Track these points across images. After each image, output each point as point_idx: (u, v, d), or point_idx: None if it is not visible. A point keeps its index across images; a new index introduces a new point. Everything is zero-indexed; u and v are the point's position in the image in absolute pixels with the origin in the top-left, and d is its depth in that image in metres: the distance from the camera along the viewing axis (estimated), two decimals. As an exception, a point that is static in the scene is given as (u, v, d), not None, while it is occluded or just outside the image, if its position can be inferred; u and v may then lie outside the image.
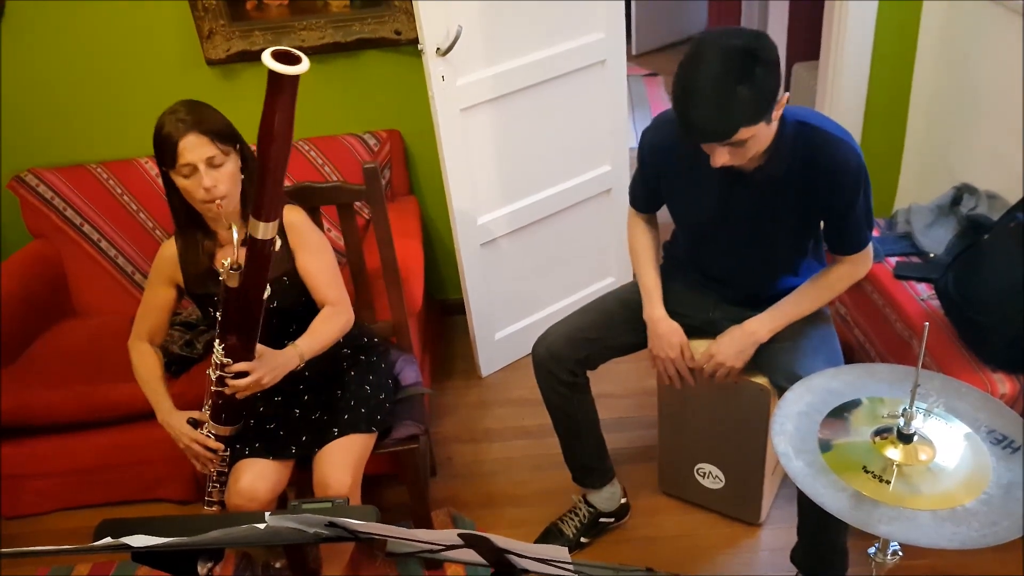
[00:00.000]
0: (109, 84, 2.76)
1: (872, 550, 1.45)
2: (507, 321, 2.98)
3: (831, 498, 1.29)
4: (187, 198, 1.81)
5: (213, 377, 1.77)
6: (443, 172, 2.57)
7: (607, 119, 2.83)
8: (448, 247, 3.01)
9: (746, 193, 1.84)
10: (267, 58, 1.44)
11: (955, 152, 2.76)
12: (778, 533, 2.24)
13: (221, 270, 1.78)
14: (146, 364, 1.97)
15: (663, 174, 1.99)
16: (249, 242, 1.62)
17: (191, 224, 1.88)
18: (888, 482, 1.30)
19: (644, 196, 2.11)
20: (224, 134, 1.78)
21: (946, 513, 1.25)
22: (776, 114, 1.66)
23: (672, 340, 2.01)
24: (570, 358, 2.06)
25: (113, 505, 2.53)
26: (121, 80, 2.76)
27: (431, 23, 2.33)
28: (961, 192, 2.52)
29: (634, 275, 2.14)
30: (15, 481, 2.48)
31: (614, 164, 2.93)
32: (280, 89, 1.48)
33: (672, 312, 2.04)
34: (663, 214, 2.12)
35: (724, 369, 1.95)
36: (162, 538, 1.15)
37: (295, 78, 1.48)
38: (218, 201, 1.76)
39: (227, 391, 1.76)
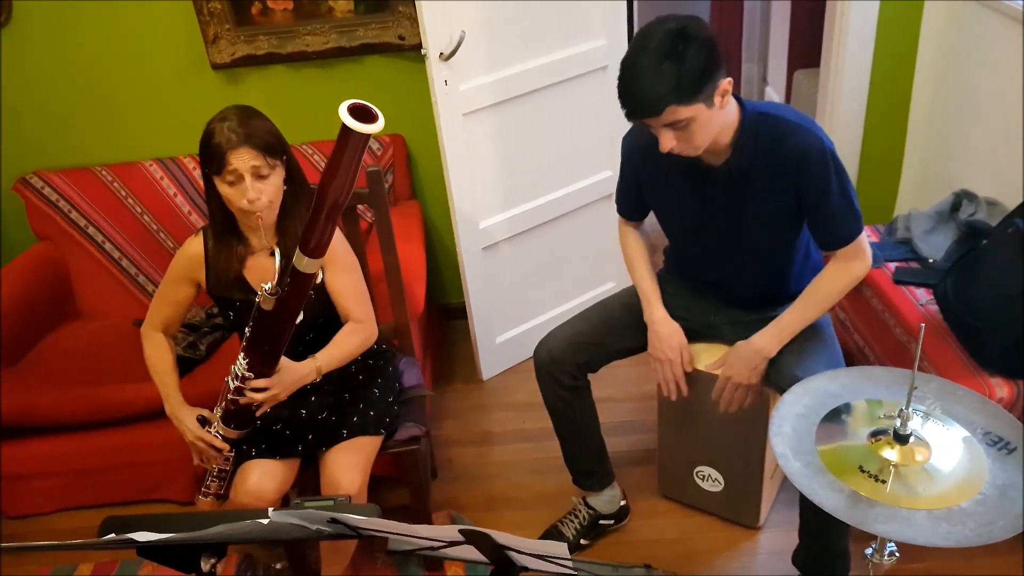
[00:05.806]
0: (114, 88, 2.78)
1: (869, 551, 1.46)
2: (508, 325, 2.99)
3: (828, 498, 1.30)
4: (227, 204, 1.79)
5: (231, 386, 1.78)
6: (445, 176, 2.59)
7: (608, 124, 2.85)
8: (450, 251, 3.03)
9: (717, 187, 1.88)
10: (344, 113, 1.46)
11: (955, 158, 2.78)
12: (777, 536, 2.25)
13: (250, 280, 1.79)
14: (159, 354, 1.97)
15: (642, 176, 2.03)
16: (292, 274, 1.62)
17: (226, 229, 1.86)
18: (885, 482, 1.31)
19: (629, 203, 2.14)
20: (273, 147, 1.76)
21: (942, 513, 1.26)
22: (720, 100, 1.69)
23: (672, 341, 2.03)
24: (571, 362, 2.07)
25: (114, 506, 2.54)
26: (126, 84, 2.78)
27: (434, 28, 2.36)
28: (960, 198, 2.53)
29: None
30: (17, 481, 2.49)
31: (615, 169, 2.92)
32: (349, 143, 1.50)
33: (673, 316, 2.06)
34: (654, 224, 2.15)
35: (742, 389, 1.96)
36: (166, 534, 1.17)
37: (366, 136, 1.48)
38: (259, 213, 1.75)
39: (243, 401, 1.78)
